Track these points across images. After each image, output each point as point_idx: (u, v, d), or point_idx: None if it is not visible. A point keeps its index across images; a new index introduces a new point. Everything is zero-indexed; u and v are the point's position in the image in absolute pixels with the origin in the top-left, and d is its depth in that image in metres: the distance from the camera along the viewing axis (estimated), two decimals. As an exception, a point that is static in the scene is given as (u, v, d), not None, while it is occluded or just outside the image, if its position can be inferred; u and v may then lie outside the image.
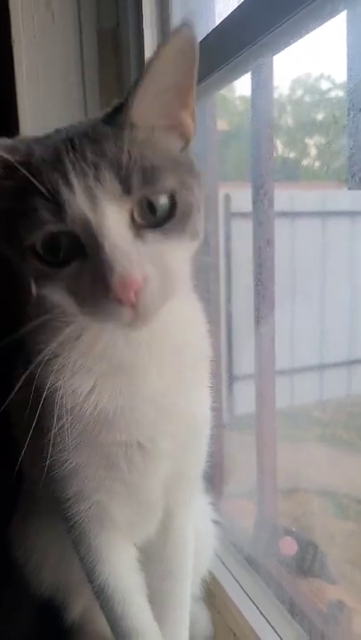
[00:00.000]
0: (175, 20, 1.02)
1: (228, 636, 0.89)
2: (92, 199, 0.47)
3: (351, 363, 1.31)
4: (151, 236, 0.49)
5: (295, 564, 0.99)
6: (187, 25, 0.48)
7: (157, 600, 0.71)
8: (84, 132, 0.50)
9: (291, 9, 0.65)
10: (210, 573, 0.88)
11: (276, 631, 0.83)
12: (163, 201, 0.50)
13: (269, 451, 1.09)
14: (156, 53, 0.49)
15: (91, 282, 0.48)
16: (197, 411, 0.66)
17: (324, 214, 1.26)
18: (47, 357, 0.57)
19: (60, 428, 0.58)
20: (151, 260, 0.49)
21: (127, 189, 0.48)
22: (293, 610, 0.87)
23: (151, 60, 0.49)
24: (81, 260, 0.49)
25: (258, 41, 0.73)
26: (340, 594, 0.97)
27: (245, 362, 1.17)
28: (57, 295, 0.52)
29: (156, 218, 0.49)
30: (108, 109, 0.53)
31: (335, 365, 1.33)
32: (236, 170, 1.24)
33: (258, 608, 0.87)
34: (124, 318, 0.49)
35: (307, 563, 1.00)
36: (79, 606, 0.82)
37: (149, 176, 0.49)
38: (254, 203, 0.99)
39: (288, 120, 1.18)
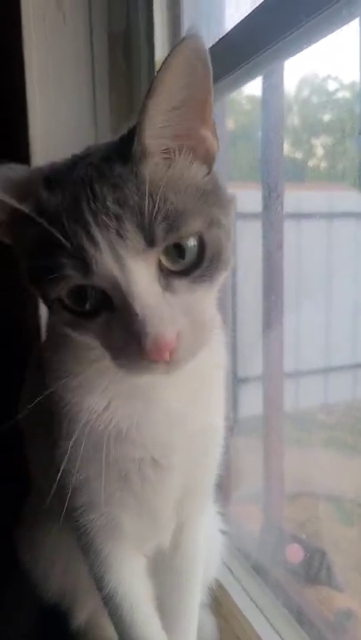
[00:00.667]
0: (186, 23, 1.01)
1: (235, 645, 0.88)
2: (118, 257, 0.45)
3: (357, 366, 1.31)
4: (181, 284, 0.47)
5: (302, 571, 0.99)
6: (192, 35, 0.45)
7: (166, 609, 0.71)
8: (101, 173, 0.47)
9: (306, 15, 0.64)
10: (216, 581, 0.88)
11: (282, 639, 0.83)
12: (191, 244, 0.47)
13: (277, 455, 1.09)
14: (162, 68, 0.45)
15: (122, 338, 0.46)
16: (212, 423, 0.66)
17: (330, 216, 1.25)
18: (65, 375, 0.57)
19: (74, 442, 0.58)
20: (183, 312, 0.47)
21: (151, 242, 0.45)
22: (301, 618, 0.87)
23: (157, 75, 0.45)
24: (109, 312, 0.47)
25: (270, 47, 0.72)
26: (347, 601, 0.97)
27: (250, 364, 1.17)
28: (91, 343, 0.50)
29: (185, 262, 0.47)
30: (124, 133, 0.50)
31: (341, 369, 1.32)
32: (241, 170, 1.23)
33: (265, 615, 0.87)
34: (158, 372, 0.48)
35: (313, 570, 0.99)
36: (85, 613, 0.83)
37: (173, 222, 0.45)
38: (265, 206, 0.99)
39: (295, 120, 1.17)
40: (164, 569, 0.73)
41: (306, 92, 1.06)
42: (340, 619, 0.92)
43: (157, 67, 1.00)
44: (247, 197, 1.15)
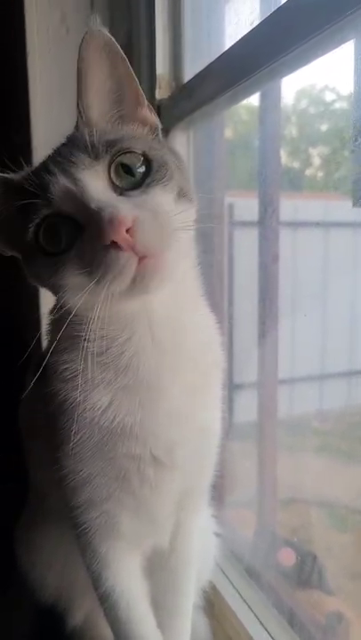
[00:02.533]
0: (187, 39, 1.04)
1: (227, 645, 0.90)
2: (69, 175, 0.54)
3: (352, 373, 1.33)
4: (135, 193, 0.55)
5: (294, 574, 1.01)
6: (92, 29, 0.57)
7: (161, 608, 0.73)
8: (60, 148, 0.59)
9: (301, 38, 0.67)
10: (209, 583, 0.90)
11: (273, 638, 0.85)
12: (136, 160, 0.56)
13: (270, 460, 1.11)
14: (78, 58, 0.57)
15: (91, 247, 0.53)
16: (209, 422, 0.68)
17: (326, 225, 1.28)
18: (72, 375, 0.60)
19: (78, 440, 0.61)
20: (138, 207, 0.53)
21: (96, 156, 0.55)
22: (292, 620, 0.89)
23: (78, 66, 0.57)
24: (80, 239, 0.54)
25: (268, 66, 0.75)
26: (338, 605, 0.99)
27: (244, 370, 1.19)
28: (69, 280, 0.55)
29: (135, 177, 0.55)
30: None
31: (335, 376, 1.34)
32: (239, 179, 1.26)
33: (257, 617, 0.89)
34: (129, 266, 0.52)
35: (305, 574, 1.02)
36: (82, 612, 0.84)
37: (113, 142, 0.56)
38: (261, 219, 1.02)
39: (292, 130, 1.20)
40: (159, 569, 0.75)
41: (303, 103, 1.08)
42: (331, 622, 0.94)
43: (159, 81, 1.04)
44: (245, 206, 1.18)
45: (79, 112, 0.59)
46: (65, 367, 0.61)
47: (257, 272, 1.07)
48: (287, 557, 1.04)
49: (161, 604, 0.73)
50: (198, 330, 0.66)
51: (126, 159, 0.55)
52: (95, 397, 0.60)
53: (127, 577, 0.70)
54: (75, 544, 0.70)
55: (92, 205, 0.52)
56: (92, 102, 0.59)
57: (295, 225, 1.18)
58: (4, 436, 0.81)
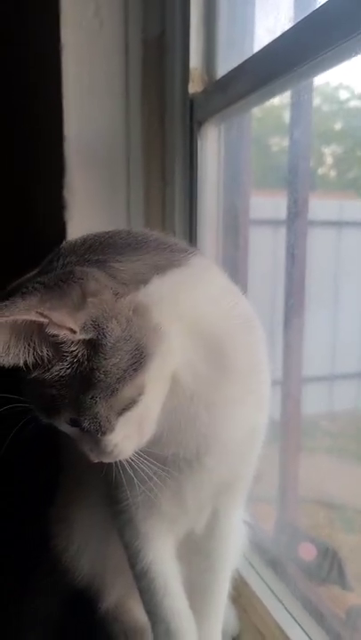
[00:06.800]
0: (221, 32, 1.07)
1: (255, 635, 0.94)
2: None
3: (362, 374, 1.35)
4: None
5: (314, 569, 1.05)
6: None
7: (195, 591, 0.77)
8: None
9: (339, 38, 0.69)
10: (236, 572, 0.93)
11: (303, 629, 0.88)
12: (69, 422, 0.59)
13: (293, 459, 1.14)
14: None
15: None
16: (250, 426, 0.69)
17: (339, 224, 1.30)
18: None
19: None
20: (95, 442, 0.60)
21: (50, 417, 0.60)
22: (315, 613, 0.93)
23: None
24: None
25: (304, 64, 0.77)
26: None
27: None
28: None
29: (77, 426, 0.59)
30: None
31: (346, 377, 1.37)
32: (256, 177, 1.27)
33: (284, 606, 0.93)
34: None
35: (325, 569, 1.05)
36: (114, 595, 0.88)
37: (51, 413, 0.59)
38: (289, 216, 1.04)
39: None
40: (196, 551, 0.78)
41: (317, 101, 1.10)
42: (353, 617, 0.98)
43: (192, 75, 1.07)
44: (259, 204, 1.21)
45: None
46: None
47: (271, 271, 1.10)
48: (308, 552, 1.08)
49: (196, 588, 0.77)
50: (234, 349, 0.65)
51: (62, 423, 0.60)
52: None
53: (165, 557, 0.74)
54: (110, 524, 0.74)
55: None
56: None
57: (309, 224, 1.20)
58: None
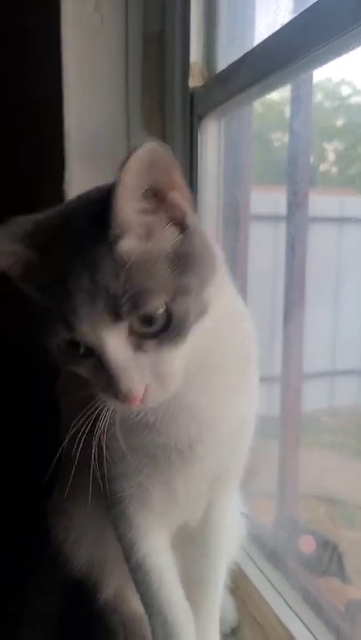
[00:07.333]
0: (221, 27, 1.08)
1: (254, 626, 0.95)
2: (93, 326, 0.54)
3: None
4: (151, 343, 0.56)
5: (314, 562, 1.05)
6: (149, 144, 0.52)
7: (191, 583, 0.77)
8: (83, 252, 0.55)
9: (339, 31, 0.69)
10: (235, 564, 0.94)
11: (302, 620, 0.89)
12: (158, 312, 0.55)
13: (292, 454, 1.15)
14: (126, 164, 0.51)
15: (105, 383, 0.57)
16: (245, 414, 0.71)
17: (340, 220, 1.30)
18: None
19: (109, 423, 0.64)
20: (150, 369, 0.56)
21: (118, 317, 0.54)
22: (314, 606, 0.93)
23: (122, 171, 0.52)
24: (97, 360, 0.57)
25: (304, 57, 0.78)
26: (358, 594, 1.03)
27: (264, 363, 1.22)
28: (78, 371, 0.60)
29: (153, 327, 0.55)
30: (105, 195, 0.55)
31: (347, 373, 1.37)
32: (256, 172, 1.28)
33: (283, 598, 0.93)
34: (134, 410, 0.60)
35: (325, 561, 1.06)
36: (112, 586, 0.88)
37: (138, 301, 0.54)
38: (289, 210, 1.05)
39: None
40: (191, 542, 0.79)
41: (319, 97, 1.10)
42: (352, 610, 0.98)
43: (192, 69, 1.08)
44: (259, 199, 1.22)
45: (111, 216, 0.54)
46: None
47: (272, 266, 1.11)
48: (307, 545, 1.08)
49: (192, 579, 0.78)
50: (232, 340, 0.69)
51: (149, 312, 0.55)
52: None
53: (158, 548, 0.74)
54: (108, 515, 0.74)
55: (110, 368, 0.55)
56: (124, 208, 0.54)
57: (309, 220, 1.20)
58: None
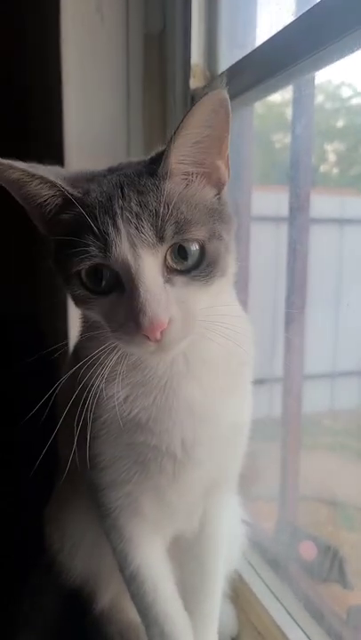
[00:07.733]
0: (222, 28, 1.07)
1: (253, 634, 0.94)
2: (133, 245, 0.57)
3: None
4: (180, 280, 0.59)
5: (315, 568, 1.04)
6: (218, 88, 0.57)
7: (189, 592, 0.76)
8: (132, 182, 0.60)
9: (339, 33, 0.69)
10: (235, 572, 0.93)
11: (303, 629, 0.88)
12: (193, 248, 0.59)
13: (294, 457, 1.14)
14: (191, 110, 0.57)
15: (125, 314, 0.58)
16: (235, 418, 0.71)
17: (341, 221, 1.29)
18: (91, 361, 0.64)
19: (101, 424, 0.65)
20: (177, 303, 0.58)
21: (161, 238, 0.57)
22: (315, 612, 0.92)
23: (186, 116, 0.57)
24: (119, 292, 0.59)
25: (304, 59, 0.78)
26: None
27: (265, 365, 1.21)
28: (94, 316, 0.62)
29: (186, 263, 0.59)
30: (153, 155, 0.65)
31: (348, 374, 1.36)
32: (258, 173, 1.27)
33: (283, 606, 0.92)
34: (148, 349, 0.59)
35: (326, 567, 1.05)
36: (108, 595, 0.87)
37: (182, 226, 0.58)
38: (291, 212, 1.04)
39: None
40: (187, 552, 0.78)
41: (320, 99, 1.10)
42: (354, 616, 0.97)
43: (193, 70, 1.07)
44: (261, 200, 1.21)
45: (164, 155, 0.60)
46: (89, 353, 0.64)
47: (273, 267, 1.10)
48: (308, 551, 1.07)
49: (189, 588, 0.77)
50: (229, 340, 0.68)
51: (186, 244, 0.59)
52: (113, 389, 0.65)
53: (153, 558, 0.73)
54: (101, 526, 0.73)
55: (141, 290, 0.56)
56: (178, 153, 0.60)
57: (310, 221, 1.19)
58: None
